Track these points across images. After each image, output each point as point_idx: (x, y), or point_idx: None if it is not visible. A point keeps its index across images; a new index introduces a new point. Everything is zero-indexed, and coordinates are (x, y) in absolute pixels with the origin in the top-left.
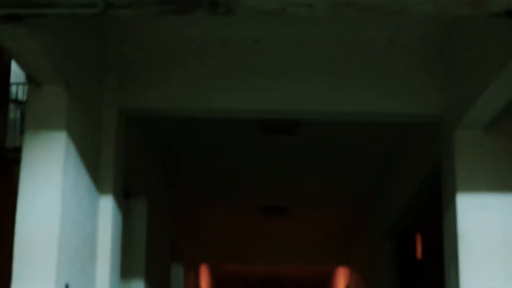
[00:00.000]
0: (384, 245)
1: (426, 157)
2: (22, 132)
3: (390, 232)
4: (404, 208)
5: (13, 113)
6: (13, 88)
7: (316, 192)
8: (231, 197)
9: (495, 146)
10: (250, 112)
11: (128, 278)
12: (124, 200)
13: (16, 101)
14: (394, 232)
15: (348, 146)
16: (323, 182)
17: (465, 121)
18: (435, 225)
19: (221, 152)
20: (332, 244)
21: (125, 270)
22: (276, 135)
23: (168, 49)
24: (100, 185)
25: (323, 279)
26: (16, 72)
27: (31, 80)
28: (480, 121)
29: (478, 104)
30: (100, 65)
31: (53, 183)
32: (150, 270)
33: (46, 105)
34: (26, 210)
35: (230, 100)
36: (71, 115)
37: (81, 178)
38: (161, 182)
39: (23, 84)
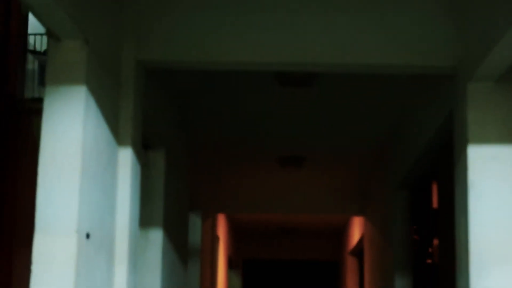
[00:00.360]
0: (400, 195)
1: (442, 107)
2: (40, 82)
3: (406, 181)
4: (419, 158)
5: (31, 63)
6: (31, 39)
7: (332, 142)
8: (247, 147)
9: (506, 98)
10: (266, 64)
11: (147, 228)
12: (142, 152)
13: (34, 52)
14: (409, 181)
15: (364, 96)
16: (339, 132)
17: (478, 74)
18: (451, 174)
19: (237, 103)
20: (347, 194)
21: (144, 220)
22: (292, 86)
23: (185, 3)
24: (119, 138)
25: (339, 228)
26: (34, 23)
27: (51, 34)
28: (493, 73)
29: (491, 57)
30: (119, 19)
31: (74, 136)
32: (168, 220)
33: (66, 60)
34: (48, 163)
35: (246, 53)
36: (90, 70)
37: (101, 131)
38: (178, 134)
39: (41, 34)
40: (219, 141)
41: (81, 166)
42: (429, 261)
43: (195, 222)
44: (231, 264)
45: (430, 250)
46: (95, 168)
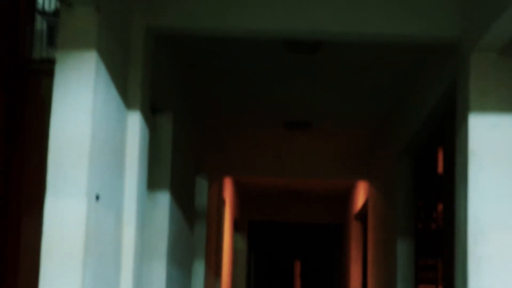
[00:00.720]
0: (404, 160)
1: (448, 73)
2: (48, 43)
3: (410, 147)
4: (423, 124)
5: (40, 24)
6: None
7: (338, 108)
8: (254, 112)
9: (509, 69)
10: (274, 32)
11: (155, 190)
12: (151, 116)
13: (43, 13)
14: (414, 147)
15: (370, 63)
16: (345, 98)
17: (481, 45)
18: None
19: (244, 69)
20: (352, 159)
21: (152, 182)
22: (300, 53)
23: None
24: (128, 102)
25: (344, 192)
26: None
27: (63, 0)
28: (496, 45)
29: (494, 28)
30: None
31: (84, 101)
32: (176, 183)
33: (77, 26)
34: (59, 127)
35: (256, 20)
36: (101, 36)
37: (111, 96)
38: (186, 98)
39: None
40: (226, 105)
41: (91, 129)
42: (433, 226)
43: (202, 185)
44: (236, 227)
45: (434, 215)
46: (104, 132)
